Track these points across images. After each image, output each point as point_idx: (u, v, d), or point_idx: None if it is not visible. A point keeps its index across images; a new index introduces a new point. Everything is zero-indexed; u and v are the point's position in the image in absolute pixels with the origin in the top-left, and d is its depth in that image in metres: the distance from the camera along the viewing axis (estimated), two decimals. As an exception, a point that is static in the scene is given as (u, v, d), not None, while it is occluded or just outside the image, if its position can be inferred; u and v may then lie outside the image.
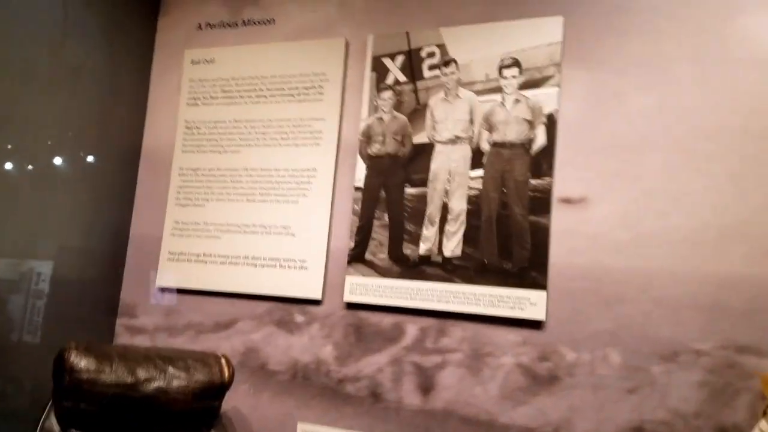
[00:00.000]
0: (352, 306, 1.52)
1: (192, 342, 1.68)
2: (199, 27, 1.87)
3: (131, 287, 1.79)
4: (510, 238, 1.37)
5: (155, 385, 1.26)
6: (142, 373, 1.27)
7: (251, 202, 1.68)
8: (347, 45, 1.65)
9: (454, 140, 1.46)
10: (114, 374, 1.24)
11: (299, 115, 1.66)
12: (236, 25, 1.82)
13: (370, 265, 1.50)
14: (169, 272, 1.73)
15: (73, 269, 1.65)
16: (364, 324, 1.50)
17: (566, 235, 1.34)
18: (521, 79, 1.41)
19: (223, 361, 1.36)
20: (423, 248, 1.46)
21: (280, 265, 1.61)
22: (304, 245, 1.59)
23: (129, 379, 1.25)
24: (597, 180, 1.33)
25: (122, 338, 1.76)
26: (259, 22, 1.79)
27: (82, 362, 1.24)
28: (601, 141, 1.34)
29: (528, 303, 1.32)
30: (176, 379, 1.28)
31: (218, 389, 1.32)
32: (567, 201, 1.35)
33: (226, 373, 1.33)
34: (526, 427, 1.31)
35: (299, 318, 1.57)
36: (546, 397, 1.30)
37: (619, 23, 1.36)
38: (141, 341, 1.73)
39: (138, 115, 1.88)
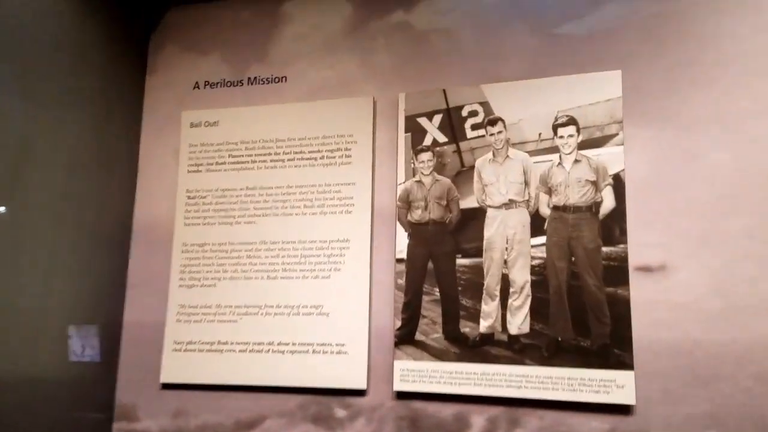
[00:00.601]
0: (403, 395, 1.36)
1: (207, 448, 1.44)
2: (197, 86, 1.72)
3: (128, 385, 1.55)
4: (585, 312, 1.26)
5: None
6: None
7: (273, 279, 1.50)
8: (374, 104, 1.53)
9: (509, 204, 1.36)
10: None
11: (325, 180, 1.52)
12: (241, 83, 1.68)
13: (423, 347, 1.35)
14: (176, 365, 1.51)
15: (54, 368, 1.40)
16: (419, 416, 1.34)
17: (648, 306, 1.24)
18: (580, 138, 1.32)
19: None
20: (484, 325, 1.32)
21: (314, 351, 1.43)
22: (342, 326, 1.43)
23: None
24: (677, 245, 1.25)
25: (119, 448, 1.50)
26: (268, 81, 1.66)
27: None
28: (676, 203, 1.28)
29: (614, 386, 1.20)
30: None
31: None
32: (645, 269, 1.26)
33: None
34: None
35: (340, 412, 1.39)
36: (642, 492, 1.17)
37: (683, 78, 1.33)
38: (143, 451, 1.49)
39: (127, 186, 1.68)
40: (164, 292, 1.57)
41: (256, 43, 1.68)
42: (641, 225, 1.28)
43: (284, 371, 1.43)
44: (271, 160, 1.58)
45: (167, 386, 1.52)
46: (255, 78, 1.67)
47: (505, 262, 1.35)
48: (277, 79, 1.65)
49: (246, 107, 1.64)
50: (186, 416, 1.48)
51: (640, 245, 1.27)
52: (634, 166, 1.30)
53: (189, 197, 1.62)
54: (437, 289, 1.38)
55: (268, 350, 1.46)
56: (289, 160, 1.57)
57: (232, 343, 1.49)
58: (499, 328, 1.32)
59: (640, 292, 1.25)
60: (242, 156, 1.61)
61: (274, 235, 1.53)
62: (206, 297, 1.54)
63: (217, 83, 1.70)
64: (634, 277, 1.25)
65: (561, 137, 1.35)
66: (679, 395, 1.19)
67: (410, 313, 1.38)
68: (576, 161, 1.33)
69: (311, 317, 1.45)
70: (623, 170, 1.30)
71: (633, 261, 1.26)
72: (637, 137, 1.32)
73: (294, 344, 1.45)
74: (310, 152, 1.56)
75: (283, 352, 1.45)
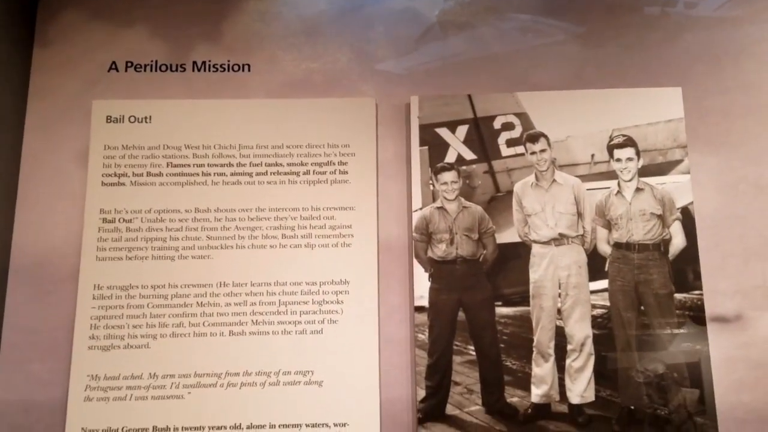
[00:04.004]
0: None
1: None
2: (113, 67, 1.54)
3: None
4: (660, 374, 1.25)
5: None
6: None
7: (239, 336, 1.35)
8: (376, 108, 1.46)
9: (559, 240, 1.35)
10: None
11: (312, 202, 1.41)
12: (183, 68, 1.54)
13: (457, 424, 1.29)
14: None
15: None
16: None
17: (728, 365, 1.30)
18: (641, 163, 1.36)
19: None
20: (537, 394, 1.28)
21: None
22: (341, 399, 1.32)
23: None
24: (755, 293, 1.33)
25: None
26: (224, 68, 1.54)
27: None
28: (750, 243, 1.37)
29: None
30: None
31: None
32: (721, 320, 1.32)
33: None
34: None
35: None
36: None
37: (742, 102, 1.46)
38: None
39: (1, 203, 1.41)
40: (63, 356, 1.34)
41: (206, 18, 1.57)
42: (714, 269, 1.35)
43: (259, 465, 1.25)
44: (232, 174, 1.44)
45: (70, 497, 1.25)
46: (204, 63, 1.53)
47: (559, 311, 1.34)
48: (236, 67, 1.52)
49: (193, 100, 1.47)
50: None
51: (714, 292, 1.33)
52: (702, 198, 1.37)
53: (105, 220, 1.41)
54: (472, 347, 1.34)
55: (235, 437, 1.26)
56: (259, 174, 1.43)
57: (176, 429, 1.30)
58: (557, 397, 1.30)
59: (717, 348, 1.29)
60: (188, 165, 1.44)
61: (238, 274, 1.38)
62: (133, 363, 1.34)
63: (146, 65, 1.53)
64: (711, 331, 1.27)
65: (618, 160, 1.38)
66: None
67: (438, 380, 1.31)
68: (638, 190, 1.36)
69: (297, 387, 1.32)
70: (692, 203, 1.33)
71: (708, 310, 1.29)
72: (703, 165, 1.41)
73: (273, 426, 1.30)
74: (289, 165, 1.44)
75: (257, 438, 1.26)
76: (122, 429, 1.29)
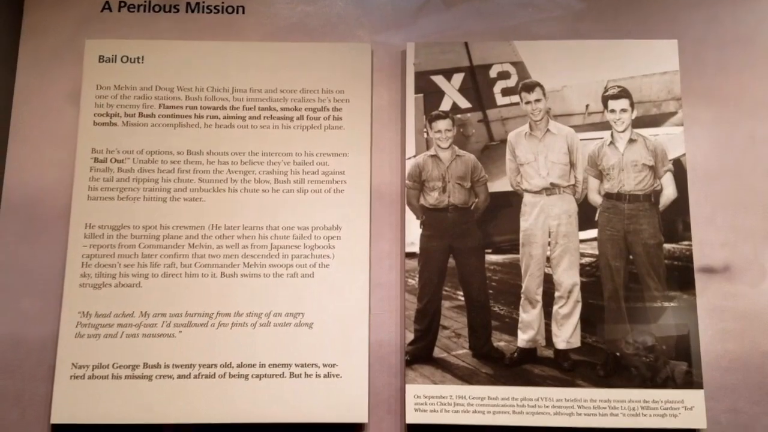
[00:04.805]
0: (417, 430, 1.32)
1: None
2: (107, 7, 1.56)
3: None
4: (647, 322, 1.30)
5: None
6: None
7: (230, 277, 1.38)
8: (372, 54, 1.48)
9: (551, 189, 1.38)
10: None
11: (306, 148, 1.44)
12: (176, 9, 1.56)
13: (444, 367, 1.33)
14: (76, 398, 1.34)
15: None
16: None
17: (714, 314, 1.36)
18: (634, 114, 1.39)
19: None
20: (523, 338, 1.32)
21: (292, 374, 1.33)
22: (331, 341, 1.36)
23: None
24: (742, 244, 1.40)
25: None
26: (218, 9, 1.56)
27: None
28: (742, 196, 1.43)
29: (682, 407, 1.27)
30: None
31: None
32: (709, 270, 1.36)
33: None
34: None
35: (329, 457, 1.28)
36: None
37: (739, 57, 1.49)
38: None
39: None
40: (54, 294, 1.38)
41: (201, -42, 1.55)
42: (704, 220, 1.39)
43: (248, 403, 1.33)
44: (224, 117, 1.46)
45: (61, 429, 1.32)
46: (198, 4, 1.55)
47: (548, 259, 1.39)
48: (230, 9, 1.54)
49: (186, 41, 1.49)
50: None
51: (703, 243, 1.37)
52: (694, 151, 1.41)
53: (96, 160, 1.44)
54: (461, 293, 1.38)
55: (224, 375, 1.33)
56: (252, 117, 1.46)
57: (167, 366, 1.33)
58: (543, 342, 1.35)
59: (704, 297, 1.34)
60: (181, 107, 1.47)
61: (230, 217, 1.41)
62: (124, 301, 1.37)
63: (140, 6, 1.56)
64: (698, 281, 1.32)
65: (613, 111, 1.41)
66: (749, 416, 1.31)
67: (426, 324, 1.35)
68: (631, 141, 1.40)
69: (288, 329, 1.35)
70: (684, 155, 1.37)
71: (697, 261, 1.33)
72: (697, 118, 1.44)
73: (263, 366, 1.34)
74: (283, 109, 1.46)
75: (246, 376, 1.32)
76: (113, 365, 1.33)
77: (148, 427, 1.31)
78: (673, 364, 1.30)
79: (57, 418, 1.31)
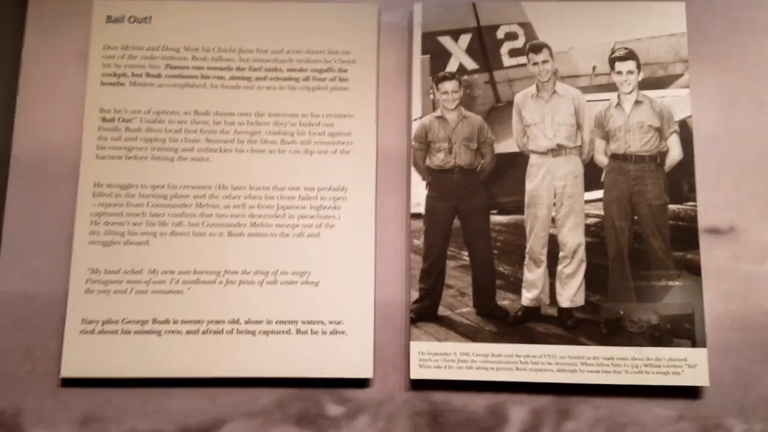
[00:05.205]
0: (421, 385, 1.36)
1: (137, 468, 1.30)
2: None
3: (6, 382, 1.38)
4: (650, 281, 1.32)
5: None
6: None
7: (237, 237, 1.40)
8: (379, 14, 1.50)
9: (557, 150, 1.40)
10: None
11: (312, 109, 1.46)
12: None
13: (448, 324, 1.35)
14: (86, 352, 1.37)
15: None
16: (442, 411, 1.35)
17: (717, 274, 1.38)
18: (641, 76, 1.40)
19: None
20: (527, 297, 1.35)
21: (298, 331, 1.36)
22: (337, 299, 1.38)
23: None
24: (747, 206, 1.42)
25: (-6, 474, 1.30)
26: None
27: None
28: (748, 158, 1.45)
29: (685, 365, 1.30)
30: None
31: None
32: (713, 231, 1.37)
33: None
34: None
35: (334, 409, 1.34)
36: (712, 487, 1.29)
37: (751, 19, 1.50)
38: (34, 476, 1.30)
39: (2, 100, 1.47)
40: (63, 251, 1.41)
41: None
42: (710, 181, 1.40)
43: (255, 358, 1.36)
44: (231, 77, 1.48)
45: (71, 382, 1.36)
46: None
47: (553, 220, 1.41)
48: (237, -30, 1.53)
49: (193, 2, 1.51)
50: (102, 423, 1.34)
51: (708, 204, 1.39)
52: (701, 113, 1.42)
53: (104, 119, 1.46)
54: (466, 253, 1.40)
55: (232, 331, 1.36)
56: (258, 78, 1.48)
57: (176, 322, 1.37)
58: (547, 301, 1.37)
59: (709, 258, 1.36)
60: (187, 68, 1.49)
61: (237, 177, 1.44)
62: (133, 259, 1.40)
63: None
64: (703, 241, 1.34)
65: (619, 73, 1.42)
66: (750, 375, 1.34)
67: (431, 283, 1.37)
68: (637, 102, 1.41)
69: (294, 287, 1.38)
70: (690, 116, 1.38)
71: (702, 222, 1.35)
72: (703, 81, 1.46)
73: (270, 322, 1.37)
74: (289, 70, 1.48)
75: (253, 332, 1.36)
76: (123, 320, 1.37)
77: (157, 381, 1.35)
78: (676, 343, 1.32)
79: (67, 371, 1.34)
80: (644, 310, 1.34)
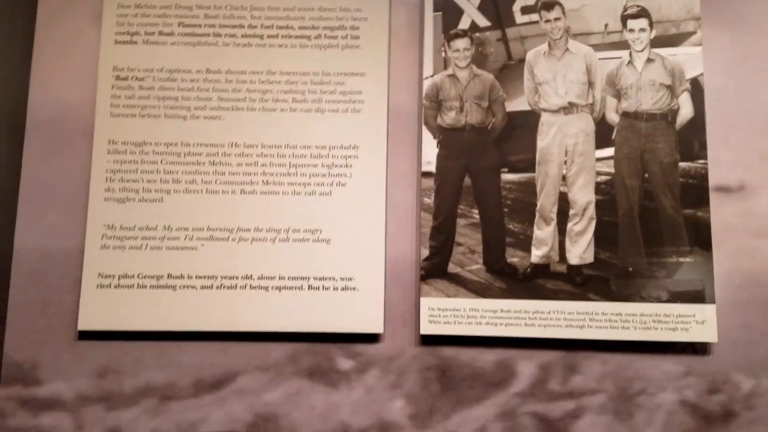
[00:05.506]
0: (430, 340, 1.39)
1: (152, 416, 1.35)
2: None
3: (23, 336, 1.40)
4: (660, 238, 1.34)
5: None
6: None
7: (250, 194, 1.43)
8: (390, -29, 1.52)
9: (569, 108, 1.41)
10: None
11: (323, 67, 1.47)
12: None
13: (458, 281, 1.37)
14: (102, 306, 1.41)
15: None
16: (451, 366, 1.37)
17: (727, 232, 1.39)
18: (653, 34, 1.40)
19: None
20: (537, 254, 1.37)
21: (310, 287, 1.38)
22: (348, 256, 1.41)
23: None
24: (758, 164, 1.41)
25: (13, 420, 1.34)
26: None
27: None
28: (758, 116, 1.44)
29: (694, 321, 1.31)
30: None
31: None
32: (724, 189, 1.38)
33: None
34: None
35: (345, 363, 1.36)
36: (720, 439, 1.33)
37: None
38: (53, 422, 1.33)
39: (17, 59, 1.52)
40: (80, 207, 1.44)
41: None
42: (720, 139, 1.41)
43: (268, 312, 1.39)
44: (243, 36, 1.49)
45: (87, 335, 1.40)
46: None
47: (564, 178, 1.42)
48: (249, -72, 1.54)
49: (204, -39, 1.52)
50: (117, 375, 1.37)
51: (719, 162, 1.40)
52: (712, 71, 1.42)
53: (118, 77, 1.48)
54: (476, 211, 1.42)
55: (245, 286, 1.39)
56: (270, 36, 1.49)
57: (190, 277, 1.40)
58: (557, 258, 1.39)
59: (719, 216, 1.38)
60: (200, 26, 1.50)
61: (249, 135, 1.45)
62: (148, 215, 1.43)
63: None
64: (713, 199, 1.35)
65: (631, 31, 1.42)
66: (758, 331, 1.35)
67: (442, 240, 1.39)
68: (649, 60, 1.41)
69: (306, 244, 1.40)
70: (701, 74, 1.39)
71: (712, 180, 1.36)
72: (715, 39, 1.46)
73: (282, 278, 1.40)
74: (300, 28, 1.49)
75: (266, 288, 1.38)
76: (138, 275, 1.40)
77: (172, 334, 1.38)
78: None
79: (84, 324, 1.38)
80: (655, 286, 1.36)
